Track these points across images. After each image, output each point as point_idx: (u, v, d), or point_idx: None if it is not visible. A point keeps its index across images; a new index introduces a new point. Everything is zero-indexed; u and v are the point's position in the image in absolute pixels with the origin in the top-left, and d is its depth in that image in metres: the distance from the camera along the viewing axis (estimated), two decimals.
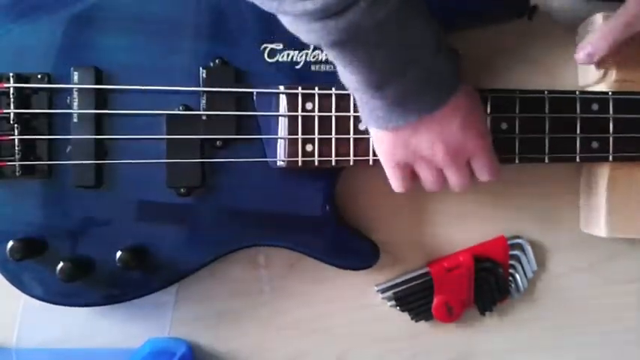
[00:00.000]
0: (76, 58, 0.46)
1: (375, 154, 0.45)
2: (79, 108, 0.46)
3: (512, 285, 0.54)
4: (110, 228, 0.47)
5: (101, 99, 0.46)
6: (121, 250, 0.46)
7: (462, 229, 0.53)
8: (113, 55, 0.46)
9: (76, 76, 0.45)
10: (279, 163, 0.46)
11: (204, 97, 0.46)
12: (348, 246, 0.49)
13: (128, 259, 0.45)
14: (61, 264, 0.45)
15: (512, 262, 0.53)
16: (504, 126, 0.46)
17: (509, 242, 0.53)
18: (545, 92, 0.47)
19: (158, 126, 0.46)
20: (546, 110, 0.46)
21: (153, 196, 0.47)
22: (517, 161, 0.47)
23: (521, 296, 0.54)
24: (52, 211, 0.47)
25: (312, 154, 0.46)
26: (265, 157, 0.46)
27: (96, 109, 0.46)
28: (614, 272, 0.55)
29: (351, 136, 0.45)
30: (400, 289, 0.53)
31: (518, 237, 0.54)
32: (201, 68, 0.46)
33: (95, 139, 0.46)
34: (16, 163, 0.45)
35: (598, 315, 0.55)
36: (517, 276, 0.53)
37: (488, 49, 0.52)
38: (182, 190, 0.46)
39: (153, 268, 0.47)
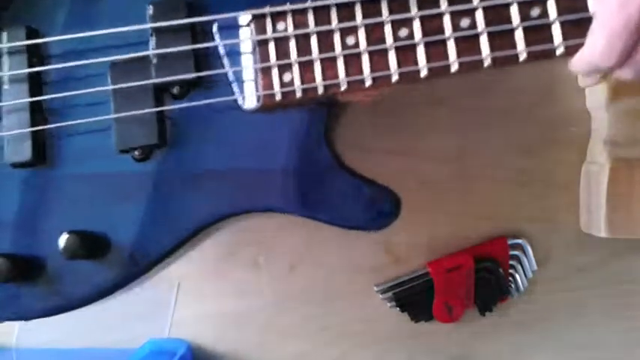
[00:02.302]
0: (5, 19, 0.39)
1: (374, 70, 0.36)
2: (10, 70, 0.38)
3: (512, 285, 0.54)
4: (57, 213, 0.39)
5: (36, 59, 0.38)
6: (67, 233, 0.37)
7: (462, 229, 0.53)
8: (46, 11, 0.39)
9: (4, 37, 0.38)
10: (252, 100, 0.37)
11: (154, 37, 0.38)
12: (360, 200, 0.40)
13: (74, 245, 0.37)
14: None
15: (512, 262, 0.53)
16: (465, 22, 0.36)
17: (509, 242, 0.53)
18: None
19: (103, 79, 0.38)
20: None
21: (105, 166, 0.38)
22: (488, 64, 0.36)
23: (521, 296, 0.54)
24: None
25: (291, 83, 0.37)
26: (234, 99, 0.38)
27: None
28: (614, 272, 0.55)
29: (340, 52, 0.36)
30: (400, 289, 0.53)
31: (518, 237, 0.54)
32: (147, 5, 0.38)
33: (29, 102, 0.38)
34: None
35: (598, 315, 0.55)
36: (517, 276, 0.53)
37: None
38: (137, 152, 0.38)
39: (117, 256, 0.39)
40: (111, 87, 0.37)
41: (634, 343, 0.55)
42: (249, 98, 0.38)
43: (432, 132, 0.52)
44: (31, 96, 0.38)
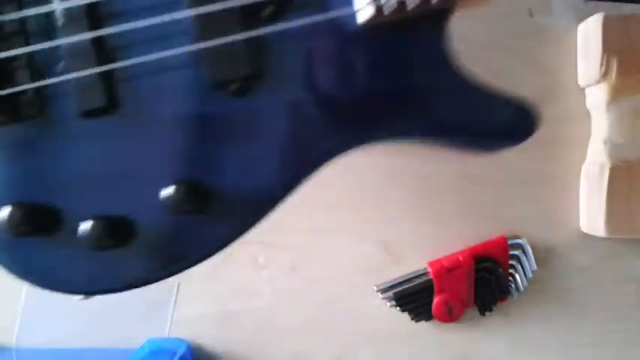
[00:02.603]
0: None
1: None
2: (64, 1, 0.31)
3: (512, 285, 0.54)
4: (148, 165, 0.32)
5: None
6: (174, 184, 0.31)
7: (462, 229, 0.53)
8: None
9: None
10: (363, 14, 0.31)
11: None
12: (495, 115, 0.34)
13: (181, 197, 0.30)
14: (88, 223, 0.31)
15: (512, 262, 0.53)
16: None
17: (509, 242, 0.53)
18: None
19: (175, 7, 0.32)
20: None
21: (192, 107, 0.32)
22: None
23: (521, 296, 0.54)
24: (55, 164, 0.32)
25: None
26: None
27: None
28: (614, 272, 0.54)
29: None
30: (400, 289, 0.53)
31: (518, 237, 0.54)
32: None
33: (92, 39, 0.31)
34: None
35: (598, 315, 0.55)
36: (517, 276, 0.53)
37: (488, 49, 0.52)
38: (232, 86, 0.32)
39: (223, 206, 0.32)
40: (196, 11, 0.31)
41: (634, 343, 0.55)
42: (358, 12, 0.32)
43: None
44: (93, 28, 0.31)
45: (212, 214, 0.32)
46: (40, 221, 0.31)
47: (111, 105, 0.32)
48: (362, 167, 0.49)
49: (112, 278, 0.32)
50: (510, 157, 0.53)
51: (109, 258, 0.32)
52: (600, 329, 0.55)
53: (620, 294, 0.55)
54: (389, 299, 0.53)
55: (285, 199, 0.33)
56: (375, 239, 0.51)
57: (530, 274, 0.53)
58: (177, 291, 0.53)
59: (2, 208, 0.30)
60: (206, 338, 0.53)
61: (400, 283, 0.53)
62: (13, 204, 0.30)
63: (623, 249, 0.54)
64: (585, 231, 0.53)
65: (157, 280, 0.33)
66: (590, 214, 0.52)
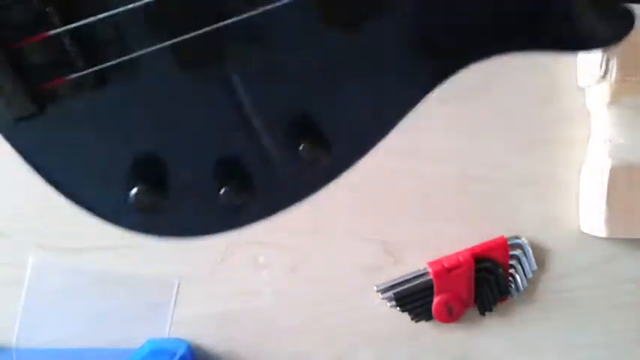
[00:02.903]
0: None
1: None
2: None
3: (512, 285, 0.54)
4: (273, 111, 0.31)
5: None
6: (304, 140, 0.30)
7: (462, 229, 0.53)
8: None
9: None
10: None
11: None
12: (600, 13, 0.31)
13: (317, 146, 0.31)
14: (226, 187, 0.30)
15: (512, 262, 0.53)
16: None
17: (509, 242, 0.53)
18: None
19: None
20: None
21: (308, 49, 0.30)
22: None
23: (521, 296, 0.54)
24: (164, 124, 0.29)
25: None
26: None
27: None
28: (614, 272, 0.55)
29: None
30: (400, 289, 0.53)
31: (518, 237, 0.54)
32: None
33: None
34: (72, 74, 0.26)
35: (598, 315, 0.55)
36: (517, 276, 0.53)
37: None
38: (347, 21, 0.30)
39: (343, 137, 0.33)
40: None
41: (634, 343, 0.55)
42: None
43: (432, 132, 0.52)
44: None
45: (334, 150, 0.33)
46: (165, 189, 0.30)
47: (216, 58, 0.29)
48: (362, 167, 0.49)
49: (235, 221, 0.33)
50: (510, 157, 0.53)
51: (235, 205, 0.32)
52: (600, 329, 0.55)
53: (620, 294, 0.55)
54: (389, 299, 0.53)
55: (398, 123, 0.34)
56: (375, 239, 0.51)
57: (530, 274, 0.53)
58: (178, 291, 0.53)
59: (132, 190, 0.28)
60: (206, 338, 0.53)
61: (400, 283, 0.53)
62: (138, 183, 0.28)
63: (623, 249, 0.54)
64: (585, 231, 0.53)
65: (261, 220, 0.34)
66: (590, 214, 0.52)
